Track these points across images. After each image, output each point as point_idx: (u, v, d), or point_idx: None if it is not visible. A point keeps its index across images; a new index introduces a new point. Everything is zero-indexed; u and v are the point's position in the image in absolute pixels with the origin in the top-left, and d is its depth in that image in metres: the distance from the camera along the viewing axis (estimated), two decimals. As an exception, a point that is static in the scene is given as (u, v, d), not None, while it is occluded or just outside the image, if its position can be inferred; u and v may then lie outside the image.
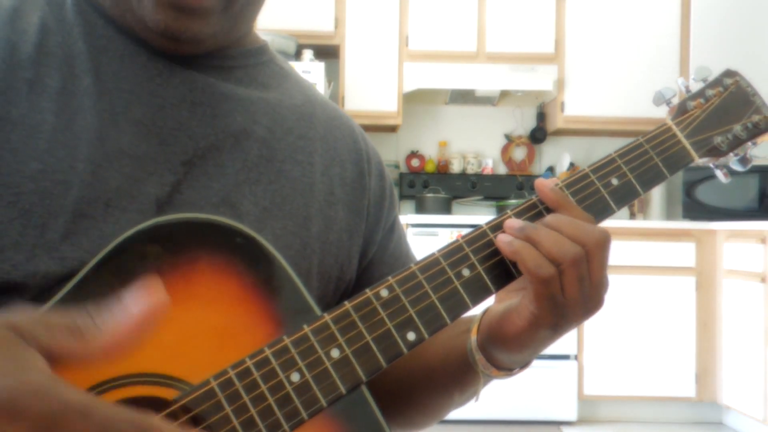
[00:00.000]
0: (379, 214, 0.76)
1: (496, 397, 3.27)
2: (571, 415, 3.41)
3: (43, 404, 0.36)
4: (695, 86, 0.71)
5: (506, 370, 0.64)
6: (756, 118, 0.70)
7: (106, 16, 0.64)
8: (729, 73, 0.72)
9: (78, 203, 0.57)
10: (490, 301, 0.63)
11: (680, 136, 0.68)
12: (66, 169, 0.57)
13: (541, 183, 0.62)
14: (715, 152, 0.69)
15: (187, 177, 0.62)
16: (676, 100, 0.71)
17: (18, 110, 0.58)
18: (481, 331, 0.63)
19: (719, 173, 0.72)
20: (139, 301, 0.42)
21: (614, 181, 0.65)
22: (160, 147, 0.61)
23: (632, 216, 3.98)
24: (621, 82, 3.80)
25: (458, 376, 0.66)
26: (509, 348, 0.61)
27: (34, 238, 0.55)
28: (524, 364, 0.64)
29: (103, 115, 0.60)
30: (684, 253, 3.44)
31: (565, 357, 3.40)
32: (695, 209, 3.71)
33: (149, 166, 0.60)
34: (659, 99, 0.71)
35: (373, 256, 0.75)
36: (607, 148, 4.16)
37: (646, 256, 3.43)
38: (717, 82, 0.71)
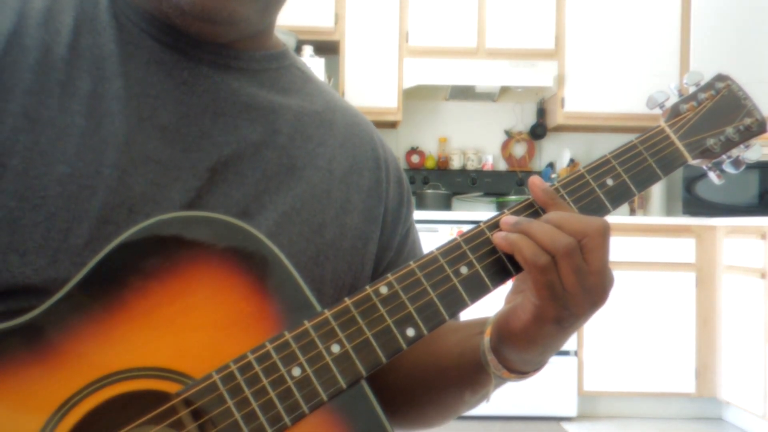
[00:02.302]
0: (396, 220, 0.76)
1: (496, 393, 3.27)
2: (571, 410, 3.41)
3: None
4: (688, 90, 0.72)
5: (518, 372, 0.64)
6: (748, 120, 0.71)
7: (138, 17, 0.64)
8: (721, 78, 0.73)
9: (102, 209, 0.57)
10: (490, 299, 0.63)
11: (673, 137, 0.69)
12: (92, 174, 0.57)
13: (533, 182, 0.63)
14: (708, 154, 0.70)
15: (210, 184, 0.62)
16: (668, 104, 0.72)
17: (49, 112, 0.58)
18: (493, 331, 0.63)
19: (712, 175, 0.73)
20: None
21: (609, 182, 0.65)
22: (183, 154, 0.62)
23: (632, 212, 3.98)
24: (621, 78, 3.80)
25: (471, 377, 0.66)
26: (517, 345, 0.61)
27: (57, 243, 0.56)
28: (537, 366, 0.64)
29: (131, 120, 0.60)
30: (684, 248, 3.45)
31: (565, 353, 3.41)
32: (695, 205, 3.71)
33: (173, 172, 0.61)
34: (652, 103, 0.72)
35: (390, 261, 0.75)
36: (607, 144, 4.15)
37: (646, 251, 3.43)
38: (709, 86, 0.72)
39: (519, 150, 4.21)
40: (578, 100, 3.83)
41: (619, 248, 3.32)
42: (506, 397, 3.31)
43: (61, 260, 0.56)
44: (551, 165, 4.18)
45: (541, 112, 4.16)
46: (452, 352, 0.68)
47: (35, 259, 0.55)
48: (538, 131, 4.15)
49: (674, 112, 0.71)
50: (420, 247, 0.81)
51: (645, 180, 0.67)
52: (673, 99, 0.72)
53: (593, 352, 3.43)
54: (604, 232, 0.58)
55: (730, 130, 0.70)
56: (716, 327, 3.43)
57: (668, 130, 0.70)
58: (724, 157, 0.71)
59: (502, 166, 4.21)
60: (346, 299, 0.57)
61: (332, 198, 0.69)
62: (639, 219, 3.55)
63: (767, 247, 3.07)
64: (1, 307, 0.55)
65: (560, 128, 4.09)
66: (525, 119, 4.21)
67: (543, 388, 3.38)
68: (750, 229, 3.20)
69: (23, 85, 0.58)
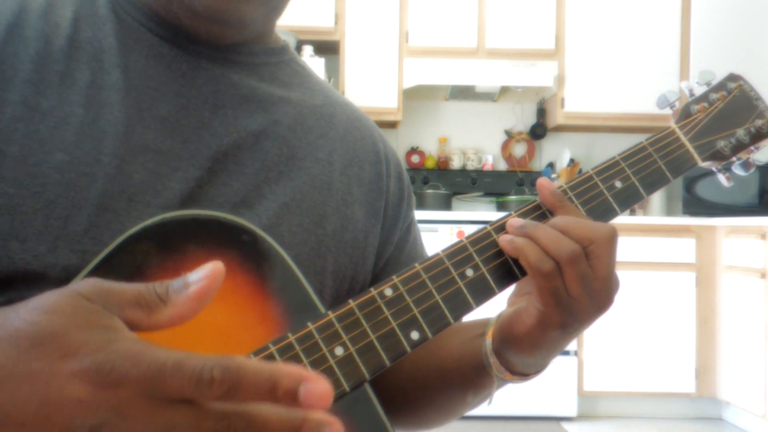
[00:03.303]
0: (397, 215, 0.76)
1: (496, 393, 3.27)
2: (571, 410, 3.41)
3: (140, 368, 0.36)
4: (699, 90, 0.71)
5: (520, 374, 0.63)
6: (759, 122, 0.70)
7: (137, 11, 0.65)
8: (733, 77, 0.72)
9: (102, 197, 0.57)
10: (494, 302, 0.63)
11: (684, 139, 0.68)
12: (91, 162, 0.58)
13: (542, 184, 0.62)
14: (718, 156, 0.69)
15: (209, 174, 0.62)
16: (679, 104, 0.71)
17: (48, 101, 0.58)
18: (495, 334, 0.63)
19: (721, 177, 0.72)
20: (199, 274, 0.42)
21: (618, 184, 0.65)
22: (183, 144, 0.62)
23: (632, 212, 3.98)
24: (621, 78, 3.80)
25: (473, 379, 0.66)
26: (521, 349, 0.60)
27: (56, 230, 0.56)
28: (539, 369, 0.64)
29: (130, 111, 0.61)
30: (684, 248, 3.45)
31: (565, 353, 3.41)
32: (695, 205, 3.71)
33: (173, 162, 0.61)
34: (663, 102, 0.71)
35: (390, 256, 0.75)
36: (607, 144, 4.11)
37: (646, 251, 3.43)
38: (721, 86, 0.71)
39: (519, 150, 4.21)
40: (578, 100, 3.83)
41: (619, 248, 3.31)
42: (506, 397, 3.31)
43: (61, 247, 0.56)
44: (551, 165, 4.17)
45: (541, 112, 4.16)
46: (454, 355, 0.68)
47: (35, 246, 0.55)
48: (538, 131, 4.15)
49: (685, 113, 0.70)
50: (422, 244, 0.81)
51: (654, 182, 0.66)
52: (684, 99, 0.71)
53: (593, 352, 3.43)
54: (611, 239, 0.58)
55: (741, 132, 0.70)
56: (716, 327, 3.43)
57: (679, 132, 0.69)
58: (734, 159, 0.70)
59: (502, 166, 4.21)
60: (350, 301, 0.57)
61: (333, 190, 0.69)
62: (639, 219, 3.55)
63: (767, 247, 3.07)
64: (1, 295, 0.55)
65: (560, 128, 4.09)
66: (525, 119, 4.21)
67: (543, 388, 3.38)
68: (750, 229, 3.20)
69: (23, 75, 0.58)
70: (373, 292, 0.57)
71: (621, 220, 3.45)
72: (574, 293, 0.57)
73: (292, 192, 0.66)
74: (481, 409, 0.70)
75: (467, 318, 0.76)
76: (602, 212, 0.64)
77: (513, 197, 3.99)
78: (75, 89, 0.60)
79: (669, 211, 4.00)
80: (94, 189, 0.57)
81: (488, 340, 0.63)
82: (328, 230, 0.67)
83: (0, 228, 0.55)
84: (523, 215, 0.62)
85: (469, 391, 0.68)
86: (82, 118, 0.59)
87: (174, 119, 0.62)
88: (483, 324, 0.66)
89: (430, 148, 4.19)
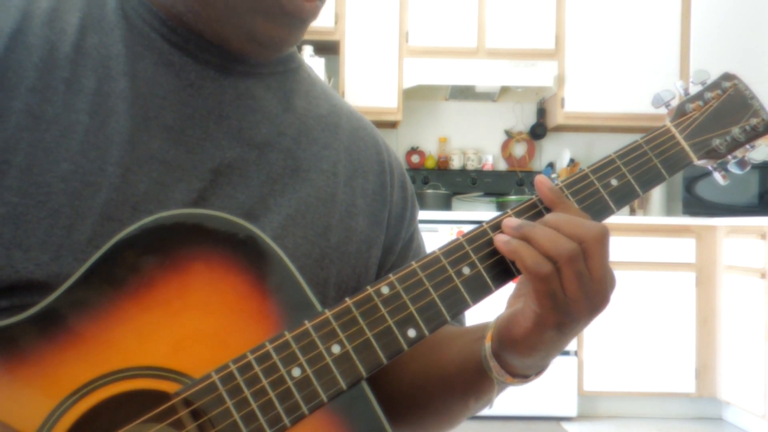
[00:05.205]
0: (400, 225, 0.76)
1: (497, 396, 3.26)
2: (571, 410, 3.41)
3: None
4: (694, 89, 0.72)
5: (521, 376, 0.63)
6: (754, 120, 0.70)
7: (151, 15, 0.64)
8: (727, 77, 0.72)
9: (106, 206, 0.57)
10: (494, 300, 0.63)
11: (679, 137, 0.69)
12: (96, 171, 0.58)
13: (540, 181, 0.62)
14: (713, 154, 0.69)
15: (213, 186, 0.62)
16: (674, 103, 0.71)
17: (53, 109, 0.58)
18: (494, 337, 0.63)
19: (717, 175, 0.72)
20: None
21: (613, 182, 0.65)
22: (187, 155, 0.62)
23: (632, 212, 3.98)
24: (621, 78, 3.80)
25: (474, 384, 0.66)
26: (519, 351, 0.60)
27: (60, 239, 0.56)
28: (539, 370, 0.64)
29: (136, 120, 0.61)
30: (684, 248, 3.45)
31: (565, 353, 3.41)
32: (695, 205, 3.71)
33: (177, 172, 0.61)
34: (658, 101, 0.71)
35: (392, 266, 0.75)
36: (607, 144, 4.10)
37: (646, 251, 3.43)
38: (715, 85, 0.71)
39: (519, 150, 4.21)
40: (578, 100, 3.83)
41: (619, 248, 3.32)
42: (506, 397, 3.30)
43: (64, 256, 0.56)
44: (551, 165, 4.17)
45: (541, 112, 4.16)
46: (454, 360, 0.68)
47: (38, 255, 0.55)
48: (538, 131, 4.15)
49: (680, 112, 0.70)
50: (425, 252, 0.80)
51: (650, 180, 0.66)
52: (679, 98, 0.71)
53: (593, 352, 3.43)
54: (602, 238, 0.58)
55: (736, 130, 0.70)
56: (716, 327, 3.43)
57: (674, 130, 0.69)
58: (729, 157, 0.71)
59: (502, 166, 4.21)
60: (347, 299, 0.57)
61: (337, 201, 0.69)
62: (639, 219, 3.55)
63: (767, 247, 3.07)
64: (4, 302, 0.55)
65: (560, 128, 4.09)
66: (525, 119, 4.21)
67: (543, 388, 3.38)
68: (750, 229, 3.20)
69: (27, 83, 0.58)
70: (370, 290, 0.57)
71: (621, 220, 3.46)
72: (570, 294, 0.57)
73: (297, 204, 0.66)
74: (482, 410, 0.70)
75: (466, 316, 0.76)
76: (598, 210, 0.64)
77: (513, 197, 3.99)
78: (81, 96, 0.59)
79: (669, 211, 4.00)
80: (99, 198, 0.57)
81: (487, 343, 0.63)
82: (332, 242, 0.68)
83: (3, 237, 0.55)
84: (519, 213, 0.62)
85: (471, 396, 0.68)
86: (87, 126, 0.59)
87: (179, 129, 0.62)
88: (481, 328, 0.66)
89: (430, 148, 4.19)
